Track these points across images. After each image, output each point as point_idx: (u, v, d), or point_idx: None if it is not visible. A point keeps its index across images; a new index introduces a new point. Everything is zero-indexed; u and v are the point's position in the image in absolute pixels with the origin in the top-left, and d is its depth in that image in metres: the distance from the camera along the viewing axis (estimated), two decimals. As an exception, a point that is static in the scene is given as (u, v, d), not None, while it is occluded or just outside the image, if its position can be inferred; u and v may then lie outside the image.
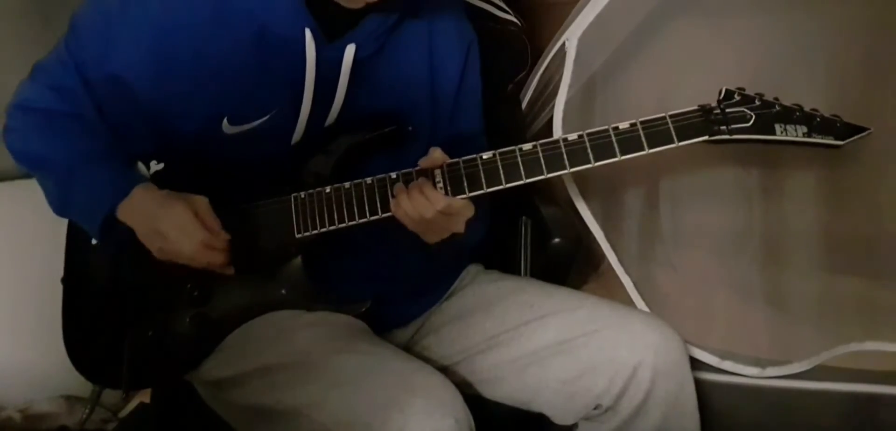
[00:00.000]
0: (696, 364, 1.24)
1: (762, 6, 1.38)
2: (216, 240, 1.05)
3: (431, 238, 1.07)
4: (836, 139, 1.07)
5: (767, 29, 1.38)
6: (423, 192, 1.02)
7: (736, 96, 1.07)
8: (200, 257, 1.04)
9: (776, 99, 1.08)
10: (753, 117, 1.06)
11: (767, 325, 1.42)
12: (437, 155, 1.05)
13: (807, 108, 1.07)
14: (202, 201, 1.06)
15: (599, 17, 1.21)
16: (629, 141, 1.05)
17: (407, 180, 1.06)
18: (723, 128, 1.06)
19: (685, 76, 1.41)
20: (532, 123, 1.48)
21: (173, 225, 1.03)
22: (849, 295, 1.37)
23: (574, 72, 1.25)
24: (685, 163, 1.42)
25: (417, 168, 1.06)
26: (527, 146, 1.06)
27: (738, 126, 1.06)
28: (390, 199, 1.05)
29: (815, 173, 1.36)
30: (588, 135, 1.05)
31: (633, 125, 1.05)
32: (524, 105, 1.47)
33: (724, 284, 1.46)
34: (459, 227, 1.06)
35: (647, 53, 1.42)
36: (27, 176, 1.15)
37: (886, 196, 1.36)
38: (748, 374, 1.34)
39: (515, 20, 1.49)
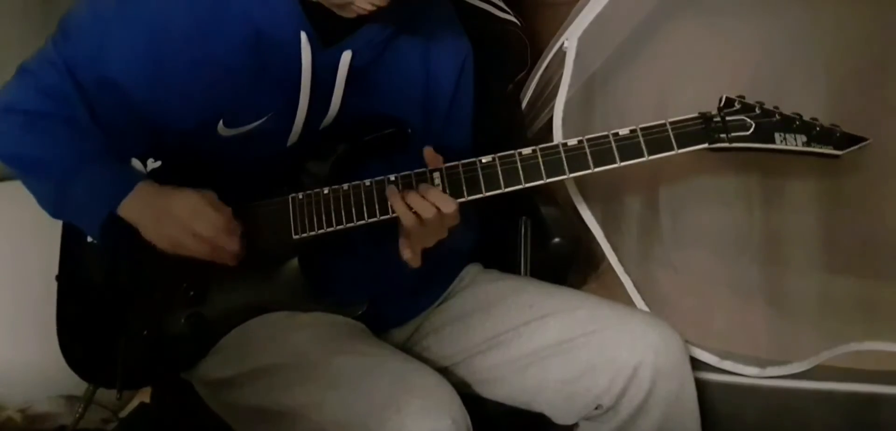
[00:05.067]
0: (696, 364, 1.24)
1: (762, 6, 1.38)
2: (233, 225, 1.04)
3: (421, 243, 1.06)
4: (835, 149, 1.07)
5: (767, 28, 1.38)
6: (427, 197, 1.02)
7: (736, 104, 1.08)
8: (220, 239, 1.03)
9: (776, 108, 1.08)
10: (753, 126, 1.07)
11: (767, 325, 1.42)
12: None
13: (806, 117, 1.07)
14: (211, 193, 1.05)
15: (599, 17, 1.21)
16: (629, 147, 1.05)
17: (405, 183, 1.06)
18: (723, 136, 1.06)
19: (685, 76, 1.41)
20: (532, 123, 1.47)
21: (187, 208, 1.02)
22: (849, 295, 1.37)
23: (574, 72, 1.25)
24: (686, 165, 1.42)
25: (416, 170, 1.06)
26: (526, 151, 1.06)
27: (737, 134, 1.07)
28: (392, 196, 1.03)
29: (815, 174, 1.36)
30: (588, 140, 1.06)
31: (633, 131, 1.05)
32: (524, 105, 1.47)
33: (724, 284, 1.46)
34: (444, 232, 1.06)
35: (647, 53, 1.41)
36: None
37: (887, 196, 1.36)
38: (748, 374, 1.34)
39: (515, 20, 1.49)
